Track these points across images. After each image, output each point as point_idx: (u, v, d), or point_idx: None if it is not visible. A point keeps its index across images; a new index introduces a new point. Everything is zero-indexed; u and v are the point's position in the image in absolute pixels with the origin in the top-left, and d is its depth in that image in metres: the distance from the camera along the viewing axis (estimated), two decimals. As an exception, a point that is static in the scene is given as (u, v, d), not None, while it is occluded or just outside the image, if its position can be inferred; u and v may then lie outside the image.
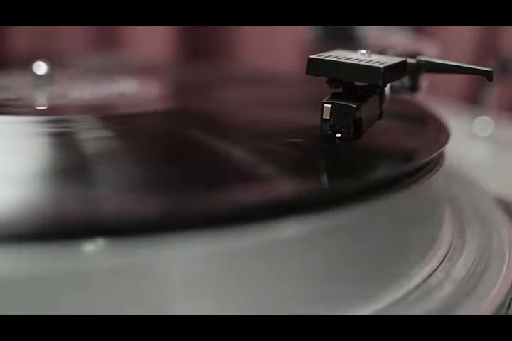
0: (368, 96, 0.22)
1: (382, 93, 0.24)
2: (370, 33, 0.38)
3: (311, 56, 0.22)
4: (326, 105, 0.22)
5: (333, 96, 0.22)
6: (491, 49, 0.62)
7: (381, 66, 0.21)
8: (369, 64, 0.21)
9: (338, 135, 0.22)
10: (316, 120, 0.22)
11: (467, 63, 0.23)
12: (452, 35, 0.63)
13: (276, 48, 0.66)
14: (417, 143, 0.23)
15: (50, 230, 0.15)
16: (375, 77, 0.21)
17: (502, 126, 0.45)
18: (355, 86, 0.22)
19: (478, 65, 0.23)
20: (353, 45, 0.32)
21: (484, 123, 0.44)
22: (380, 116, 0.24)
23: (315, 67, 0.22)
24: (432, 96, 0.36)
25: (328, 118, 0.22)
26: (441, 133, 0.25)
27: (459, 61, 0.23)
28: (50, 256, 0.14)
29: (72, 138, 0.23)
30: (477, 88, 0.47)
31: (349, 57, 0.22)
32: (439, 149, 0.23)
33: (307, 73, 0.22)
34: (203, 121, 0.27)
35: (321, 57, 0.22)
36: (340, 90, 0.22)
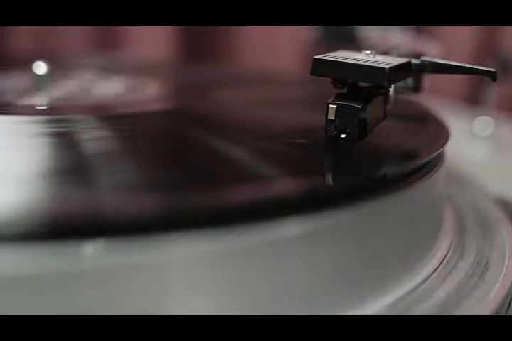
0: (373, 97, 0.22)
1: (386, 93, 0.23)
2: (371, 33, 0.38)
3: (315, 56, 0.22)
4: (331, 106, 0.22)
5: (338, 96, 0.22)
6: (491, 49, 0.62)
7: (386, 67, 0.21)
8: (374, 64, 0.21)
9: (342, 135, 0.22)
10: (316, 120, 0.22)
11: (467, 63, 0.23)
12: (452, 35, 0.63)
13: (276, 48, 0.66)
14: (417, 143, 0.23)
15: (49, 230, 0.15)
16: (380, 77, 0.21)
17: (502, 126, 0.45)
18: (360, 86, 0.22)
19: (478, 65, 0.23)
20: (353, 45, 0.32)
21: (484, 123, 0.44)
22: (384, 117, 0.24)
23: (319, 68, 0.22)
24: (432, 96, 0.36)
25: (333, 118, 0.22)
26: (441, 133, 0.25)
27: (459, 61, 0.23)
28: (50, 256, 0.14)
29: (72, 138, 0.23)
30: (477, 88, 0.47)
31: (354, 57, 0.22)
32: (439, 149, 0.23)
33: (312, 74, 0.22)
34: (202, 121, 0.27)
35: (326, 58, 0.22)
36: (344, 91, 0.22)
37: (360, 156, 0.22)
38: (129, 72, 0.40)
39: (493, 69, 0.22)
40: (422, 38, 0.38)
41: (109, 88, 0.34)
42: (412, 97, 0.30)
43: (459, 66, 0.23)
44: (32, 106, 0.30)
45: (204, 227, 0.16)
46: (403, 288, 0.20)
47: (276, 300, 0.17)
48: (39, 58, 0.33)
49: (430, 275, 0.21)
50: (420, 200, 0.21)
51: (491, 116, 0.44)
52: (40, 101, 0.31)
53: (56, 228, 0.15)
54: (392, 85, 0.24)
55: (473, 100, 0.55)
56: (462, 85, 0.64)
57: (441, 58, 0.23)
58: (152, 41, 0.63)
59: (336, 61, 0.21)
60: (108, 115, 0.28)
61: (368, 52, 0.23)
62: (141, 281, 0.15)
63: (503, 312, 0.20)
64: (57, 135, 0.24)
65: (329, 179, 0.20)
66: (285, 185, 0.18)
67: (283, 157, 0.21)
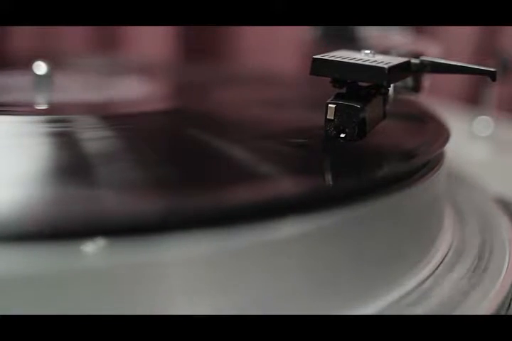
0: (372, 97, 0.22)
1: (386, 93, 0.23)
2: (371, 33, 0.38)
3: (315, 56, 0.22)
4: (330, 105, 0.22)
5: (338, 96, 0.22)
6: (491, 49, 0.62)
7: (386, 66, 0.21)
8: (373, 64, 0.21)
9: (342, 135, 0.22)
10: (316, 120, 0.22)
11: (468, 63, 0.23)
12: (452, 35, 0.63)
13: (276, 48, 0.66)
14: (417, 143, 0.23)
15: (49, 230, 0.15)
16: (379, 77, 0.21)
17: (502, 126, 0.45)
18: (359, 86, 0.22)
19: (478, 65, 0.23)
20: (353, 45, 0.32)
21: (484, 123, 0.44)
22: (384, 117, 0.24)
23: (319, 68, 0.22)
24: (432, 96, 0.36)
25: (333, 118, 0.22)
26: (441, 133, 0.25)
27: (459, 61, 0.23)
28: (50, 256, 0.14)
29: (72, 138, 0.23)
30: (477, 88, 0.47)
31: (353, 57, 0.22)
32: (439, 149, 0.23)
33: (311, 73, 0.22)
34: (202, 120, 0.27)
35: (325, 58, 0.22)
36: (344, 90, 0.22)
37: (360, 156, 0.22)
38: (128, 72, 0.40)
39: (492, 69, 0.22)
40: (422, 38, 0.38)
41: (109, 88, 0.34)
42: (412, 97, 0.30)
43: (459, 66, 0.23)
44: (32, 106, 0.30)
45: (204, 227, 0.16)
46: (403, 288, 0.20)
47: (276, 300, 0.17)
48: (39, 58, 0.33)
49: (430, 275, 0.21)
50: (420, 200, 0.21)
51: (491, 116, 0.44)
52: (40, 101, 0.31)
53: (56, 228, 0.15)
54: (392, 85, 0.24)
55: (473, 100, 0.55)
56: (462, 85, 0.64)
57: (441, 58, 0.23)
58: (152, 41, 0.63)
59: (335, 61, 0.21)
60: (108, 115, 0.28)
61: (368, 51, 0.23)
62: (141, 281, 0.15)
63: (503, 312, 0.20)
64: (57, 135, 0.24)
65: (329, 179, 0.20)
66: (285, 185, 0.18)
67: (282, 157, 0.21)
